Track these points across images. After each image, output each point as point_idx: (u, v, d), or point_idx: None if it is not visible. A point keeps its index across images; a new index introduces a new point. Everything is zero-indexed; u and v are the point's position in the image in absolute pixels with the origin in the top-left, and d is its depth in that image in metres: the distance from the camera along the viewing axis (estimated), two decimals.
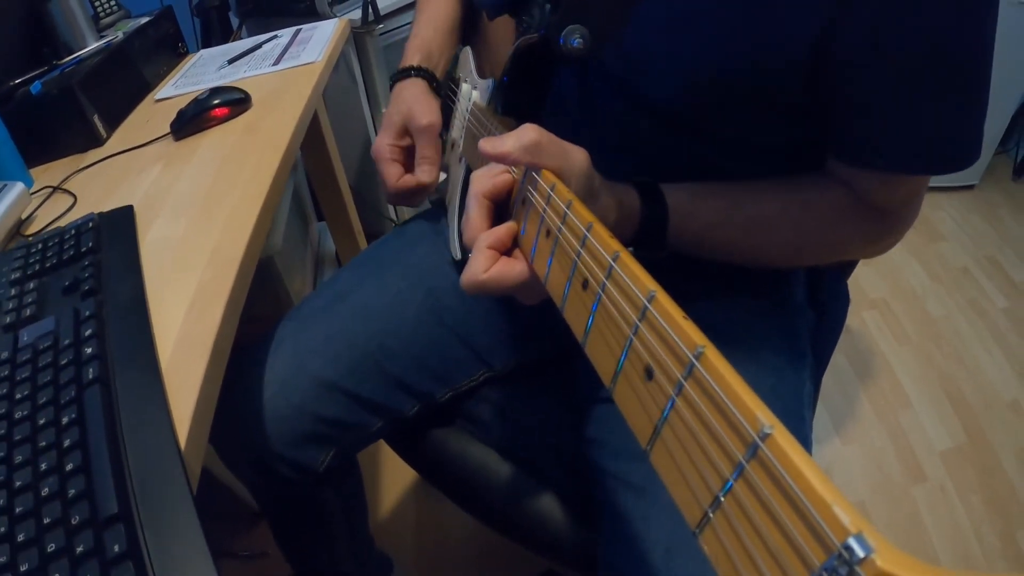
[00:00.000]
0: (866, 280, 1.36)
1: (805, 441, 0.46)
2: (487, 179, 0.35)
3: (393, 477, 1.05)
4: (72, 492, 0.31)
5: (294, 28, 0.90)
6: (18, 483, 0.32)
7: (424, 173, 0.51)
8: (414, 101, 0.53)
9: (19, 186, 0.59)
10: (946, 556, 0.90)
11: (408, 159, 0.54)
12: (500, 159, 0.32)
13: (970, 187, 1.60)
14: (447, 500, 0.99)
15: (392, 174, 0.52)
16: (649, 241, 0.40)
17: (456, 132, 0.55)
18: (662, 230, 0.39)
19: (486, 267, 0.33)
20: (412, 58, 0.56)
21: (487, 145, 0.32)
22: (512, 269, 0.33)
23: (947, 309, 1.28)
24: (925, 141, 0.36)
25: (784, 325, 0.50)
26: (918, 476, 1.00)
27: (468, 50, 0.56)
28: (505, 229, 0.34)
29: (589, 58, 0.40)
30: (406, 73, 0.55)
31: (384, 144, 0.53)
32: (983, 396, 1.10)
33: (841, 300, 0.58)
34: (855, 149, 0.38)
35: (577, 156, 0.34)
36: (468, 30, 0.61)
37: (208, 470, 0.81)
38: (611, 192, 0.38)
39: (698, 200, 0.41)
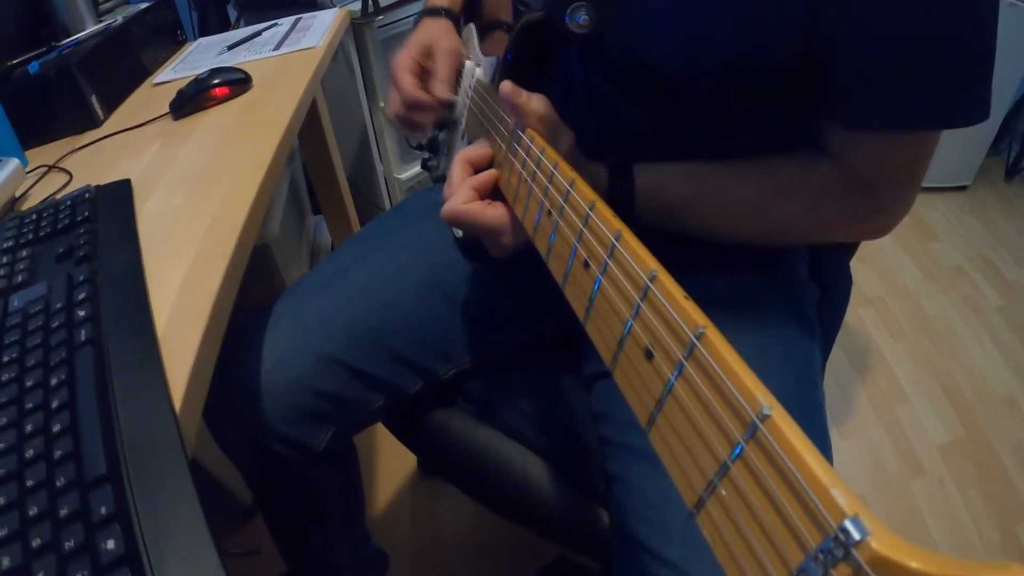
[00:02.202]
0: (862, 278, 1.37)
1: (819, 407, 0.46)
2: (472, 148, 0.39)
3: (388, 472, 1.04)
4: (58, 453, 0.30)
5: (294, 16, 0.90)
6: (1, 445, 0.31)
7: (438, 89, 0.50)
8: (442, 32, 0.53)
9: (14, 162, 0.58)
10: (946, 549, 0.89)
11: (425, 79, 0.52)
12: (512, 106, 0.35)
13: (963, 188, 1.61)
14: (442, 495, 0.99)
15: (407, 81, 0.50)
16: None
17: (459, 110, 0.55)
18: (628, 208, 0.41)
19: (466, 200, 0.37)
20: (441, 1, 0.56)
21: (508, 87, 0.35)
22: (488, 210, 0.36)
23: (942, 307, 1.29)
24: (925, 95, 0.35)
25: (789, 297, 0.50)
26: (917, 470, 1.00)
27: (472, 27, 0.56)
28: (487, 175, 0.38)
29: (594, 35, 0.40)
30: (436, 12, 0.55)
31: (405, 56, 0.51)
32: (978, 391, 1.11)
33: (844, 280, 0.58)
34: (852, 108, 0.37)
35: (565, 137, 0.37)
36: (470, 7, 0.61)
37: (198, 464, 0.80)
38: (585, 170, 0.39)
39: (669, 182, 0.42)
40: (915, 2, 0.32)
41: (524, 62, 0.46)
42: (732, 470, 0.17)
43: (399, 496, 1.01)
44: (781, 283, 0.50)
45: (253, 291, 0.89)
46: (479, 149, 0.39)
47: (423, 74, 0.53)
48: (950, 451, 1.02)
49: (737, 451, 0.17)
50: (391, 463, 1.05)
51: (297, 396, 0.49)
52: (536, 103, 0.35)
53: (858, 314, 1.29)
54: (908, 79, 0.35)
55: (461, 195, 0.36)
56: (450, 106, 0.52)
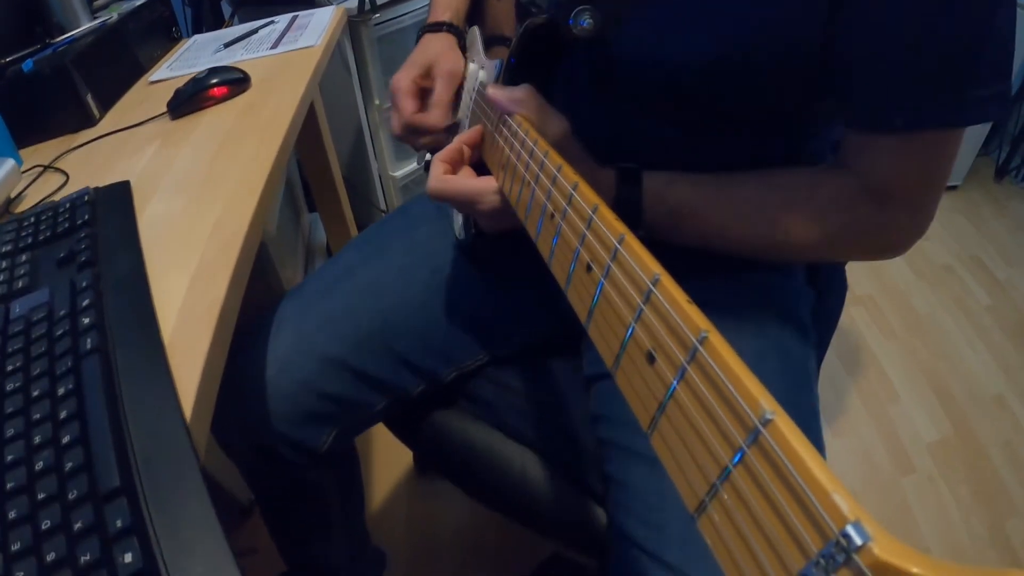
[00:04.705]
0: (853, 277, 1.38)
1: (814, 412, 0.46)
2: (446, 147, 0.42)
3: (384, 471, 1.04)
4: (69, 465, 0.29)
5: (291, 14, 0.89)
6: (9, 457, 0.31)
7: (433, 116, 0.50)
8: (443, 51, 0.53)
9: (9, 162, 0.57)
10: (936, 546, 0.91)
11: (424, 99, 0.53)
12: (493, 100, 0.37)
13: (953, 188, 1.63)
14: (438, 494, 0.99)
15: (407, 106, 0.51)
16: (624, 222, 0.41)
17: (462, 112, 0.55)
18: (636, 213, 0.41)
19: (442, 172, 0.39)
20: (443, 15, 0.56)
21: (492, 87, 0.37)
22: (473, 179, 0.38)
23: (932, 306, 1.31)
24: (945, 92, 0.34)
25: (787, 301, 0.50)
26: (907, 468, 1.01)
27: (476, 30, 0.56)
28: (453, 148, 0.40)
29: (598, 39, 0.40)
30: (438, 27, 0.55)
31: (405, 77, 0.52)
32: (968, 390, 1.13)
33: (838, 284, 0.59)
34: (873, 111, 0.36)
35: (555, 122, 0.38)
36: (473, 10, 0.61)
37: None
38: (591, 172, 0.39)
39: (677, 188, 0.41)
40: (931, 4, 0.32)
41: (528, 66, 0.46)
42: (734, 474, 0.17)
43: (395, 494, 1.01)
44: (779, 288, 0.50)
45: (249, 288, 0.89)
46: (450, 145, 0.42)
47: (424, 94, 0.53)
48: (940, 449, 1.04)
49: (739, 455, 0.17)
50: (387, 462, 1.05)
51: (302, 398, 0.49)
52: (518, 92, 0.36)
53: (849, 313, 1.30)
54: (929, 77, 0.34)
55: (435, 172, 0.39)
56: (449, 130, 0.52)
